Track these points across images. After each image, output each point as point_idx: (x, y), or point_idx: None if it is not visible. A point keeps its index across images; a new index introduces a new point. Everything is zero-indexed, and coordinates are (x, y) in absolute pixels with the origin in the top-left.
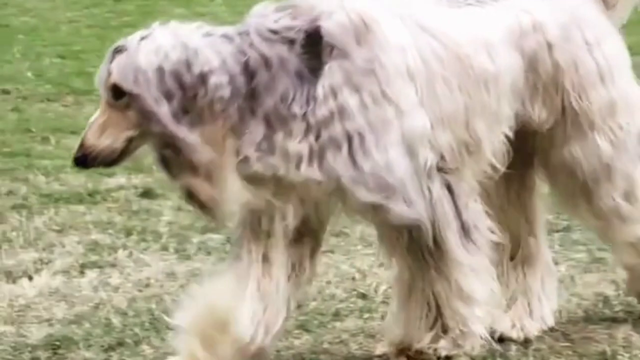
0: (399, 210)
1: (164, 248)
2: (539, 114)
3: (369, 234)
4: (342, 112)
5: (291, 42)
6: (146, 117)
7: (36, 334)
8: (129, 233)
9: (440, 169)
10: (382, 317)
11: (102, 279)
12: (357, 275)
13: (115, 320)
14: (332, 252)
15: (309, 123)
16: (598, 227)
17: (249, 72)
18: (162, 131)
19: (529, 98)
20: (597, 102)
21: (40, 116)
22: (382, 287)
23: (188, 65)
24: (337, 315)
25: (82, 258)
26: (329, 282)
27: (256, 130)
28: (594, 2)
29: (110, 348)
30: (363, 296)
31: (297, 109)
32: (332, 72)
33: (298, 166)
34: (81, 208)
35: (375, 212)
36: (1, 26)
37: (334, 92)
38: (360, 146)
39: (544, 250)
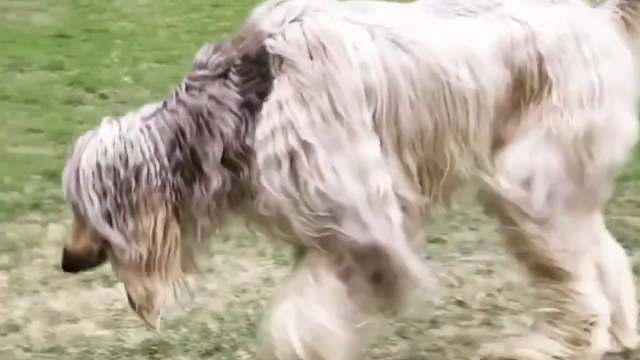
0: (350, 233)
1: (261, 253)
2: (511, 127)
3: (465, 240)
4: (285, 127)
5: (222, 76)
6: (82, 220)
7: (134, 338)
8: (226, 238)
9: (400, 196)
10: (480, 325)
11: (199, 284)
12: (454, 283)
13: (212, 326)
14: (429, 258)
15: (263, 146)
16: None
17: (180, 141)
18: (94, 232)
19: (511, 115)
20: (576, 123)
21: None
22: (480, 295)
23: (124, 159)
24: (434, 322)
25: None
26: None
27: (210, 186)
28: (606, 22)
29: (207, 353)
30: (460, 303)
31: (249, 139)
32: (280, 86)
33: (261, 196)
34: None
35: (321, 239)
36: (99, 31)
37: (280, 106)
38: (307, 163)
39: (610, 258)
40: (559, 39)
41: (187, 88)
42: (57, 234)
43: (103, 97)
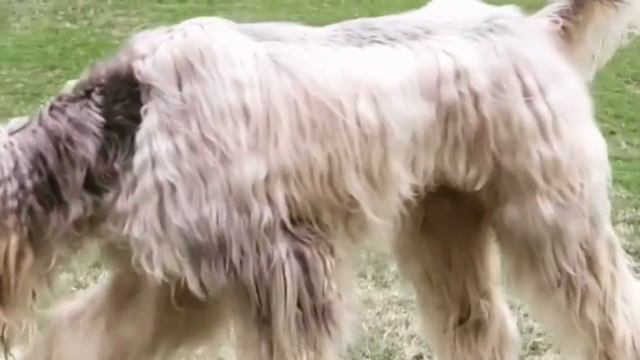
0: (207, 274)
1: (362, 275)
2: (464, 172)
3: None
4: (154, 161)
5: (85, 97)
6: None
7: None
8: None
9: (292, 235)
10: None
11: None
12: None
13: None
14: None
15: (133, 177)
16: (541, 302)
17: (39, 166)
18: None
19: (449, 154)
20: (537, 161)
21: None
22: None
23: None
24: (535, 349)
25: None
26: (526, 315)
27: (69, 214)
28: (546, 37)
29: None
30: None
31: (117, 165)
32: (147, 115)
33: (124, 226)
34: None
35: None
36: None
37: (148, 137)
38: (170, 199)
39: (500, 316)
40: (496, 74)
41: (51, 108)
42: None
43: None
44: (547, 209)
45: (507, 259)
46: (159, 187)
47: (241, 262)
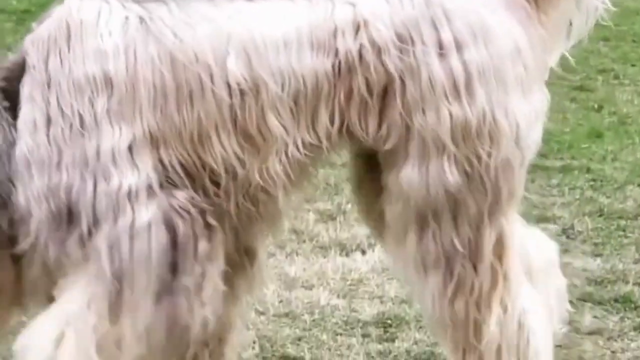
0: (57, 244)
1: None
2: (375, 131)
3: None
4: (20, 132)
5: None
6: None
7: (368, 310)
8: None
9: (167, 204)
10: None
11: None
12: None
13: None
14: None
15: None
16: (420, 279)
17: None
18: None
19: (356, 110)
20: (447, 121)
21: None
22: None
23: None
24: None
25: None
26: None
27: None
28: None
29: None
30: None
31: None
32: (22, 88)
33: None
34: None
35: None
36: None
37: (20, 111)
38: (25, 170)
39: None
40: (404, 25)
41: None
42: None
43: None
44: (452, 174)
45: (391, 227)
46: (20, 158)
47: (90, 232)
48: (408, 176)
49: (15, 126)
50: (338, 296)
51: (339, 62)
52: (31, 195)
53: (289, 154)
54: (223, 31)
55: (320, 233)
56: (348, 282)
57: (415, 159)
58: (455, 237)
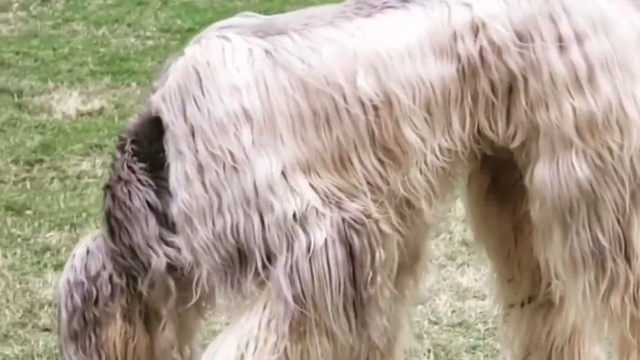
0: (235, 287)
1: None
2: (504, 130)
3: None
4: (174, 191)
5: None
6: None
7: None
8: None
9: (339, 219)
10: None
11: None
12: None
13: None
14: None
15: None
16: (570, 281)
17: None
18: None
19: (484, 111)
20: (570, 115)
21: None
22: None
23: (87, 270)
24: None
25: None
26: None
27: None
28: None
29: None
30: None
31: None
32: (167, 148)
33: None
34: None
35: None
36: None
37: (170, 169)
38: (186, 225)
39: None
40: (522, 22)
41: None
42: (463, 210)
43: None
44: (582, 169)
45: (538, 227)
46: (179, 216)
47: (265, 267)
48: (540, 175)
49: (151, 188)
50: None
51: (462, 66)
52: (198, 246)
53: (428, 163)
54: (348, 50)
55: None
56: None
57: (545, 157)
58: (600, 232)
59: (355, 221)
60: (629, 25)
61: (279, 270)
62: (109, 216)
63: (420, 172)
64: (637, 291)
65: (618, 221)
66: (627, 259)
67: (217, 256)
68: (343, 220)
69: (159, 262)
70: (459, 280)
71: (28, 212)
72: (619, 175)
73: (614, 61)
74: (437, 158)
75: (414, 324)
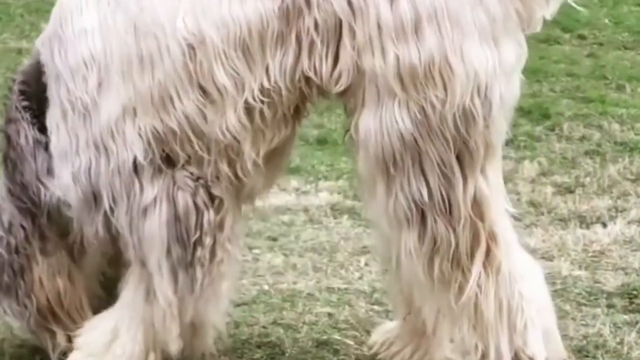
0: (88, 228)
1: None
2: (328, 73)
3: None
4: (49, 135)
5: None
6: None
7: (612, 281)
8: None
9: (170, 179)
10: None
11: None
12: None
13: None
14: None
15: None
16: (393, 235)
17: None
18: None
19: (307, 52)
20: (393, 64)
21: (616, 63)
22: None
23: None
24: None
25: None
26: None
27: None
28: None
29: None
30: None
31: None
32: (47, 90)
33: None
34: None
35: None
36: None
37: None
38: (57, 168)
39: None
40: None
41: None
42: (531, 171)
43: (581, 37)
44: (404, 121)
45: (362, 181)
46: (52, 157)
47: (112, 211)
48: (364, 124)
49: (36, 125)
50: (580, 267)
51: (287, 5)
52: (64, 186)
53: (249, 103)
54: None
55: (558, 205)
56: (589, 254)
57: (370, 106)
58: (424, 188)
59: (183, 182)
60: None
61: (122, 218)
62: (5, 158)
63: (236, 113)
64: (461, 257)
65: (442, 180)
66: (450, 222)
67: (75, 197)
68: (173, 180)
69: (49, 195)
70: (526, 240)
71: None
72: (442, 133)
73: (444, 14)
74: (256, 99)
75: None
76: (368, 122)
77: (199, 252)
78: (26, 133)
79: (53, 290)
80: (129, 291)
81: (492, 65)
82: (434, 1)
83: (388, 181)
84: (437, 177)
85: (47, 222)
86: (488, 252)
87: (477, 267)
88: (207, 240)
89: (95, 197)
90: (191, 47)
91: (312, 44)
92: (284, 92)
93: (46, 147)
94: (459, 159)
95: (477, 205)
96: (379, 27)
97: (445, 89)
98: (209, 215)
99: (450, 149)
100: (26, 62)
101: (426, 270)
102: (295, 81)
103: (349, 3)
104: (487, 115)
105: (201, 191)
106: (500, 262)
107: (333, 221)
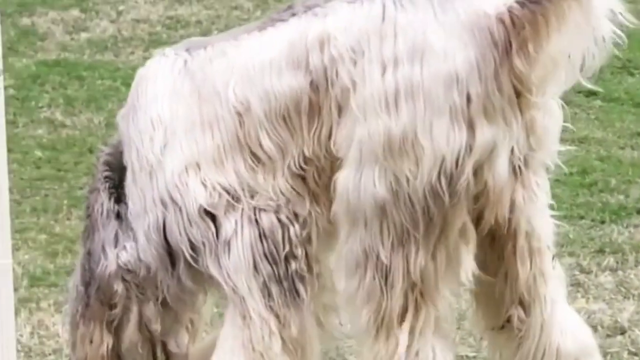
0: (172, 282)
1: None
2: (336, 140)
3: None
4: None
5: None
6: None
7: None
8: None
9: (248, 204)
10: None
11: None
12: None
13: None
14: None
15: None
16: (341, 277)
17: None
18: None
19: (326, 123)
20: (377, 132)
21: None
22: None
23: None
24: None
25: None
26: None
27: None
28: (468, 16)
29: None
30: None
31: None
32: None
33: None
34: None
35: None
36: None
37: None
38: (133, 232)
39: (542, 331)
40: (357, 39)
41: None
42: None
43: None
44: (377, 186)
45: (333, 217)
46: (122, 219)
47: (195, 259)
48: (344, 180)
49: (114, 195)
50: None
51: (313, 79)
52: (142, 249)
53: (292, 168)
54: (230, 62)
55: None
56: None
57: (352, 166)
58: (378, 245)
59: (264, 204)
60: (448, 61)
61: (208, 261)
62: (85, 225)
63: (284, 178)
64: (388, 319)
65: (397, 244)
66: (386, 283)
67: (151, 255)
68: (253, 207)
69: (105, 265)
70: None
71: None
72: (412, 204)
73: (420, 90)
74: (297, 166)
75: (613, 355)
76: (347, 180)
77: (293, 265)
78: (102, 202)
79: (82, 353)
80: (227, 325)
81: (459, 147)
82: (412, 76)
83: (350, 229)
84: (393, 240)
85: (95, 292)
86: (412, 327)
87: (403, 337)
88: (299, 252)
89: (170, 252)
90: (239, 114)
91: (330, 114)
92: (321, 160)
93: (117, 216)
94: (424, 229)
95: (422, 279)
96: (371, 96)
97: (417, 164)
98: (295, 229)
99: (415, 220)
100: (115, 135)
101: (359, 318)
102: (330, 149)
103: (353, 72)
104: (453, 195)
105: (284, 209)
106: (421, 344)
107: None
